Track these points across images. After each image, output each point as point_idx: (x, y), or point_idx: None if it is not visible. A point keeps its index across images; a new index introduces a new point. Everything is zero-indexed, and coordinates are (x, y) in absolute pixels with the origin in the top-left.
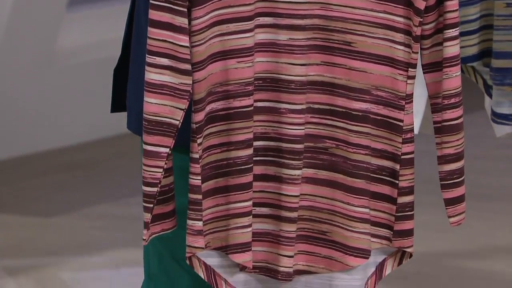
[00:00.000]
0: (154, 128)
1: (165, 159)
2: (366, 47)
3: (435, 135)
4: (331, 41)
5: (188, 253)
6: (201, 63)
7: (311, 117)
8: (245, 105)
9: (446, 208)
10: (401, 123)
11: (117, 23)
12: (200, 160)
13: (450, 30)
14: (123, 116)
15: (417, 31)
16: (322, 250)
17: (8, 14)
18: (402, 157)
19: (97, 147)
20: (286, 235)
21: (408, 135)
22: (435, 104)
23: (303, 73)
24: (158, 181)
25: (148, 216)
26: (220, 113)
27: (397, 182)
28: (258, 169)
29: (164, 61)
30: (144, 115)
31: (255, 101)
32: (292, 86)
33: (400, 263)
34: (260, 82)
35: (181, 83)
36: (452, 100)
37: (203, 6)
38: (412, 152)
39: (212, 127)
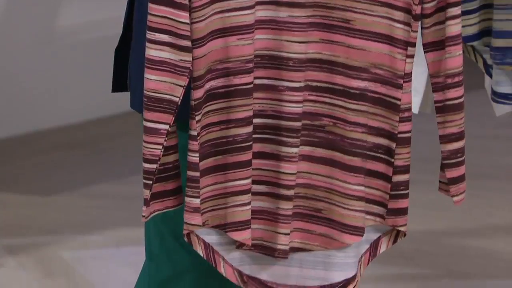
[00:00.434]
0: (153, 104)
1: (164, 136)
2: (365, 25)
3: (436, 114)
4: (330, 18)
5: (185, 230)
6: (201, 40)
7: (309, 94)
8: (245, 83)
9: (450, 187)
10: (398, 102)
11: (118, 2)
12: (198, 138)
13: (453, 9)
14: (123, 95)
15: (417, 9)
16: (317, 228)
17: None
18: (399, 135)
19: (97, 125)
20: (282, 212)
21: (406, 114)
22: (436, 83)
23: (303, 50)
24: (157, 158)
25: (147, 193)
26: (220, 90)
27: (392, 160)
28: (255, 147)
29: (164, 37)
30: (144, 92)
31: (254, 78)
32: (291, 64)
33: (395, 241)
34: (259, 59)
35: (181, 59)
36: (456, 79)
37: None
38: (409, 131)
39: (211, 104)
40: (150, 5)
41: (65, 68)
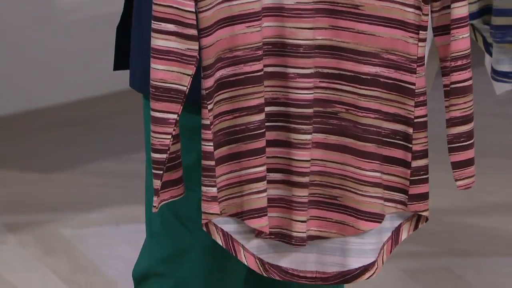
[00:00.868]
0: (161, 94)
1: (173, 126)
2: (374, 10)
3: (444, 98)
4: (339, 4)
5: (203, 220)
6: (209, 29)
7: (320, 81)
8: (255, 70)
9: (453, 171)
10: (413, 86)
11: None
12: (211, 127)
13: None
14: (123, 73)
15: None
16: (333, 215)
17: None
18: (415, 120)
19: (97, 103)
20: (298, 200)
21: (421, 98)
22: (445, 67)
23: (311, 37)
24: (167, 148)
25: (158, 183)
26: (231, 79)
27: (410, 146)
28: (268, 135)
29: (170, 27)
30: (151, 82)
31: (265, 66)
32: (300, 51)
33: (416, 227)
34: (270, 47)
35: (188, 48)
36: (459, 62)
37: None
38: (425, 115)
39: (222, 93)
40: None
41: (65, 45)
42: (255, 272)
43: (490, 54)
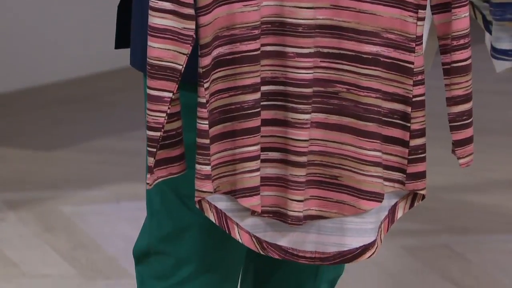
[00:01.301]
0: (157, 72)
1: (168, 104)
2: None
3: (443, 76)
4: None
5: (197, 197)
6: (207, 8)
7: (320, 61)
8: (251, 49)
9: (456, 150)
10: (411, 65)
11: None
12: (207, 105)
13: None
14: (124, 50)
15: None
16: (334, 195)
17: None
18: (413, 99)
19: (98, 80)
20: (295, 179)
21: (419, 77)
22: (444, 46)
23: (311, 16)
24: (161, 126)
25: (151, 161)
26: (227, 57)
27: (408, 125)
28: (267, 114)
29: (167, 5)
30: (148, 60)
31: (263, 45)
32: (300, 30)
33: (412, 205)
34: (269, 26)
35: (184, 27)
36: (461, 41)
37: None
38: (423, 94)
39: (219, 71)
40: None
41: (66, 22)
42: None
43: (490, 32)
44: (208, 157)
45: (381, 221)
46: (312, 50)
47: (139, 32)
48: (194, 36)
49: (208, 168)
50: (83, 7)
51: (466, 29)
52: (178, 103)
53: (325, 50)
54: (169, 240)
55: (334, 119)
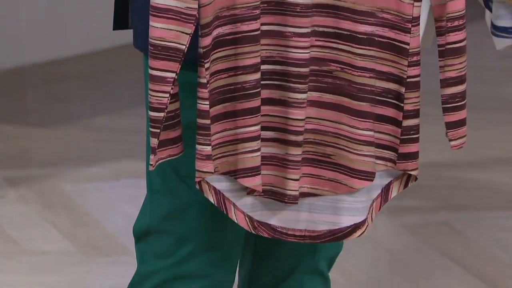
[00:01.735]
0: (160, 53)
1: (171, 84)
2: None
3: (438, 58)
4: None
5: (197, 178)
6: None
7: (316, 40)
8: (252, 29)
9: (448, 132)
10: (407, 46)
11: None
12: (208, 85)
13: None
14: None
15: None
16: (326, 173)
17: None
18: (408, 80)
19: (97, 58)
20: (292, 158)
21: (414, 58)
22: (440, 27)
23: None
24: (164, 106)
25: (155, 142)
26: (228, 37)
27: (402, 105)
28: (264, 93)
29: None
30: (150, 40)
31: (261, 24)
32: (298, 9)
33: (406, 186)
34: (266, 5)
35: (187, 7)
36: (456, 23)
37: None
38: (418, 75)
39: (219, 51)
40: None
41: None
42: None
43: (490, 10)
44: (208, 138)
45: (372, 199)
46: (309, 30)
47: (141, 13)
48: (197, 15)
49: (209, 148)
50: None
51: (461, 11)
52: (177, 84)
53: (321, 29)
54: (170, 219)
55: (328, 97)
